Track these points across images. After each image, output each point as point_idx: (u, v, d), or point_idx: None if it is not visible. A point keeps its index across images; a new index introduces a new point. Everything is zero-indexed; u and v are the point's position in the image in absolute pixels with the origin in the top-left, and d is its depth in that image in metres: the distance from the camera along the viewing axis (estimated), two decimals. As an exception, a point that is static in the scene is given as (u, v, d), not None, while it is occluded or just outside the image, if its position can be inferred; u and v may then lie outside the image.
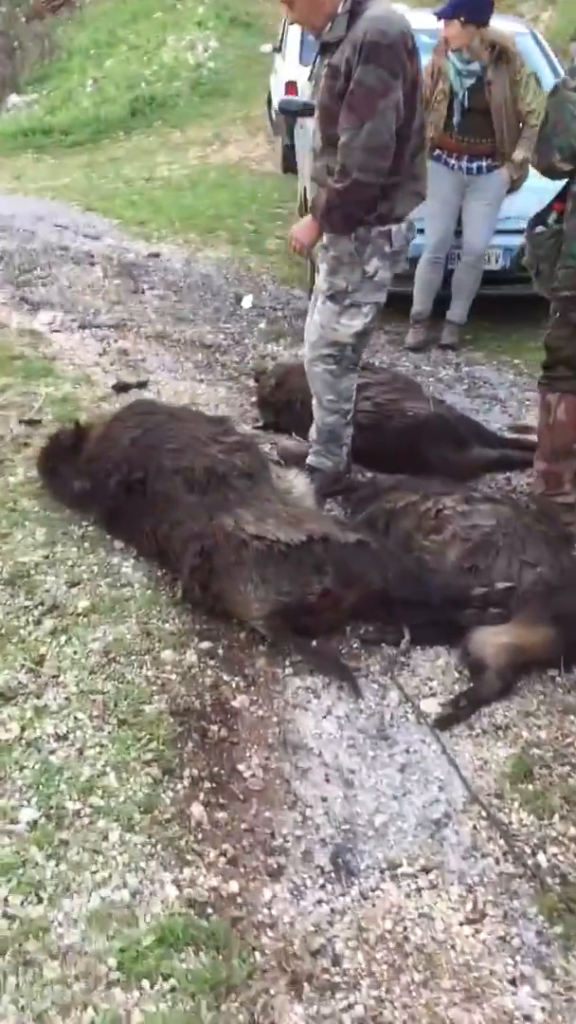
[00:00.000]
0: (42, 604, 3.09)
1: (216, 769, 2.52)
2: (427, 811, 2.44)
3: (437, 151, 5.47)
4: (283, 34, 12.56)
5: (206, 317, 6.34)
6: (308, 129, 7.14)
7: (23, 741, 2.52)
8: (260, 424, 4.61)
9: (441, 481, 3.64)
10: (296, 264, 7.53)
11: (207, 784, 2.46)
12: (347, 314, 3.61)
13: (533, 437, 4.49)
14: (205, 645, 2.97)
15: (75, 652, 2.88)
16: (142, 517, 3.32)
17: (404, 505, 3.39)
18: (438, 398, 4.41)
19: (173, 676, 2.82)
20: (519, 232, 5.71)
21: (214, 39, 17.81)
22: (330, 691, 2.84)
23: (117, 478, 3.38)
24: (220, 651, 2.96)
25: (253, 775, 2.52)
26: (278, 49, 12.86)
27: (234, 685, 2.83)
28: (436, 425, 4.09)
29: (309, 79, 8.72)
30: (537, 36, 7.30)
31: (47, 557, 3.35)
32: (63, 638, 2.93)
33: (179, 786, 2.44)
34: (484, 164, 5.44)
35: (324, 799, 2.46)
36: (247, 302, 6.63)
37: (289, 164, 11.28)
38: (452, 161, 5.47)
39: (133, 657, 2.87)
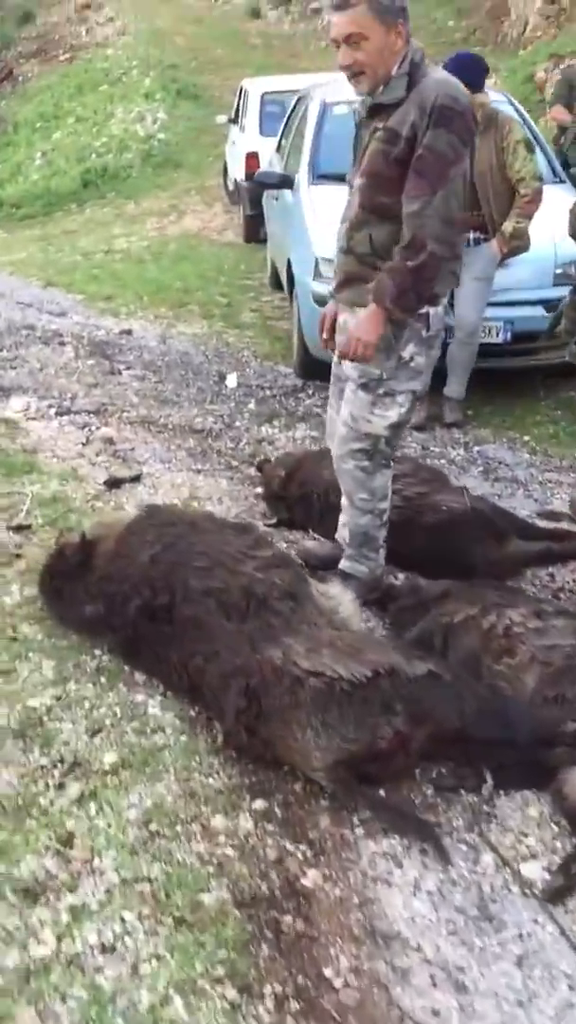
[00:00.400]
0: (62, 761, 2.63)
1: (300, 980, 2.06)
2: (562, 1022, 2.01)
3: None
4: (239, 105, 12.49)
5: (191, 398, 5.97)
6: (286, 201, 6.89)
7: (62, 957, 2.05)
8: (272, 521, 4.21)
9: (496, 587, 3.28)
10: (277, 339, 7.24)
11: (293, 1003, 2.00)
12: (381, 404, 3.26)
13: (567, 525, 4.18)
14: (259, 805, 2.52)
15: (109, 825, 2.41)
16: (169, 648, 2.89)
17: (463, 620, 3.00)
18: (467, 489, 4.05)
19: (229, 850, 2.36)
20: (518, 304, 5.50)
21: (162, 111, 17.81)
22: (412, 856, 2.41)
23: (137, 603, 2.95)
24: (277, 811, 2.52)
25: (345, 983, 2.07)
26: (234, 120, 12.78)
27: (300, 856, 2.39)
28: (473, 520, 3.73)
29: (278, 150, 8.54)
30: (512, 101, 7.16)
31: (60, 698, 2.89)
32: (92, 806, 2.47)
33: (261, 1009, 1.98)
34: (471, 237, 5.16)
35: (436, 1012, 2.02)
36: (232, 381, 6.28)
37: (252, 234, 11.11)
38: None
39: (179, 827, 2.41)
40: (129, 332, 7.44)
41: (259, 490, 4.60)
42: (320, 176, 6.41)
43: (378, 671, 2.58)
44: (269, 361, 6.76)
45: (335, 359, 3.51)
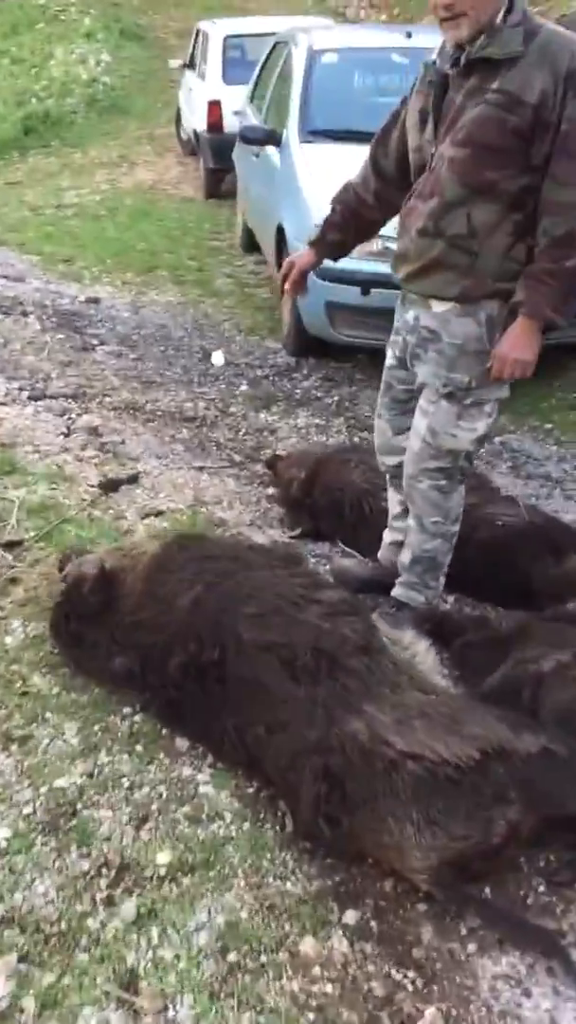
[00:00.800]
0: (106, 865, 2.17)
1: None
2: None
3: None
4: (196, 50, 11.73)
5: (176, 380, 5.45)
6: (269, 159, 6.32)
7: None
8: (295, 533, 3.75)
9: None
10: (258, 309, 6.73)
11: None
12: (468, 416, 2.82)
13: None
14: (351, 917, 2.10)
15: (178, 957, 1.97)
16: (221, 713, 2.44)
17: (556, 669, 2.60)
18: (520, 498, 3.64)
19: (328, 986, 1.94)
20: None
21: (106, 52, 16.85)
22: (539, 979, 2.02)
23: (180, 659, 2.49)
24: (372, 923, 2.11)
25: None
26: (189, 65, 12.02)
27: (410, 986, 1.98)
28: (531, 534, 3.33)
29: (252, 101, 7.91)
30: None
31: (92, 776, 2.42)
32: (154, 930, 2.02)
33: None
34: None
35: None
36: (218, 359, 5.77)
37: (213, 189, 10.49)
38: None
39: (263, 957, 1.99)
40: (96, 301, 6.84)
41: (270, 491, 4.14)
42: (312, 133, 5.86)
43: (486, 750, 2.17)
44: (254, 336, 6.24)
45: (389, 360, 3.06)
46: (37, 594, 3.18)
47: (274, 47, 7.47)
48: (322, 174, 5.43)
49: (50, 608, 3.05)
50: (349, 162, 5.57)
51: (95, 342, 5.96)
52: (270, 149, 6.32)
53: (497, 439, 4.78)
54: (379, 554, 3.33)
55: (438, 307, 2.77)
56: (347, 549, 3.58)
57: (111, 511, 3.83)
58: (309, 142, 5.79)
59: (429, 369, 2.80)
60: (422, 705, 2.31)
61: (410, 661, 2.54)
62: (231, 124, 9.12)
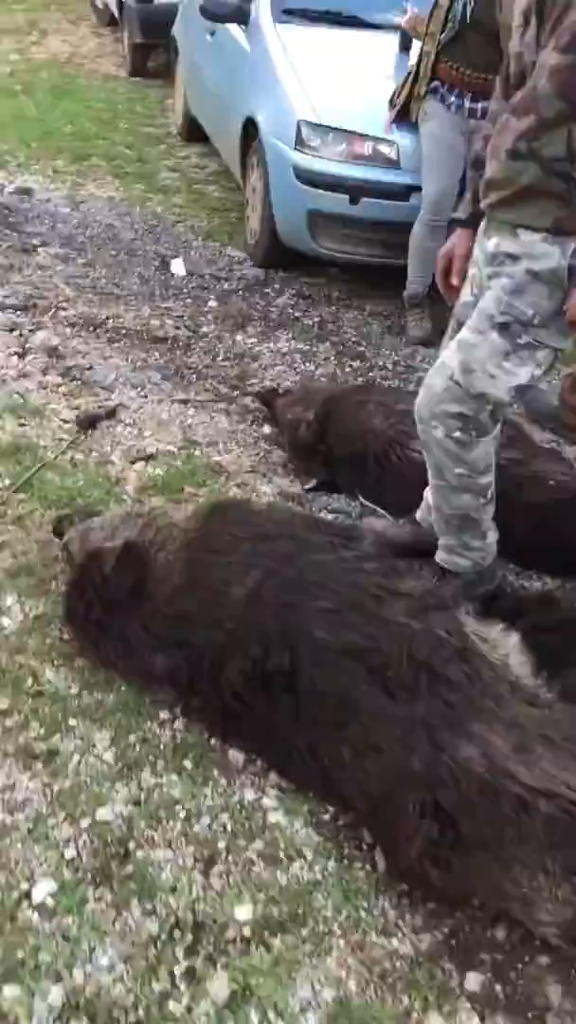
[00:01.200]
0: (178, 925, 1.80)
1: None
2: None
3: (435, 81, 4.21)
4: None
5: (136, 292, 4.87)
6: (232, 40, 5.63)
7: None
8: (311, 485, 3.34)
9: None
10: (213, 210, 6.16)
11: None
12: (517, 356, 2.40)
13: None
14: (474, 982, 1.79)
15: (288, 1050, 1.64)
16: (292, 729, 2.07)
17: None
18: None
19: None
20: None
21: None
22: None
23: (240, 665, 2.09)
24: (497, 987, 1.81)
25: None
26: None
27: (553, 1069, 1.71)
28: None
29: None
30: None
31: (139, 804, 2.03)
32: (252, 1015, 1.67)
33: None
34: (454, 98, 4.17)
35: None
36: (178, 268, 5.20)
37: (140, 67, 9.61)
38: (451, 99, 4.21)
39: (387, 1044, 1.67)
40: (28, 192, 6.09)
41: (267, 430, 3.71)
42: (287, 12, 5.22)
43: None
44: (213, 241, 5.65)
45: (465, 296, 2.62)
46: (29, 561, 2.72)
47: None
48: (305, 62, 4.86)
49: (49, 580, 2.61)
50: (334, 48, 5.03)
51: (36, 242, 5.29)
52: (233, 29, 5.63)
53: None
54: (418, 515, 2.96)
55: (526, 236, 2.34)
56: (370, 505, 3.19)
57: (94, 453, 3.34)
58: (284, 22, 5.15)
59: (492, 295, 2.38)
60: (538, 724, 1.98)
61: (505, 664, 2.20)
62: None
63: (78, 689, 2.30)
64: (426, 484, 2.79)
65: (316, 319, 4.73)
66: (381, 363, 4.31)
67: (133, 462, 3.32)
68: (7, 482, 3.07)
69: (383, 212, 4.58)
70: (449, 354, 2.51)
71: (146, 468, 3.29)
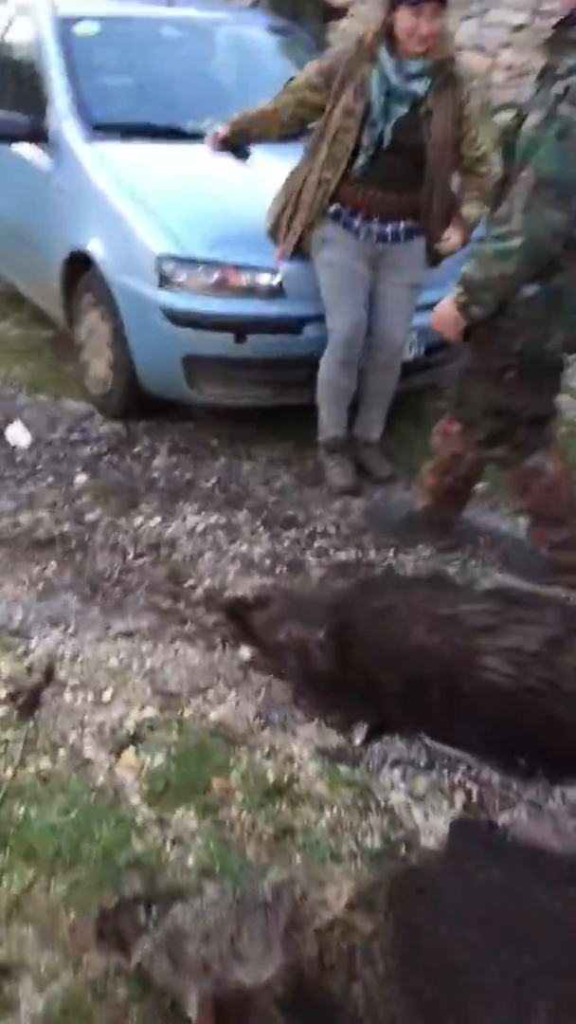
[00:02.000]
0: None
1: None
2: None
3: (336, 205, 3.68)
4: None
5: (-20, 478, 3.90)
6: (28, 162, 4.79)
7: None
8: (364, 738, 2.58)
9: None
10: (23, 353, 5.20)
11: None
12: None
13: None
14: None
15: None
16: None
17: None
18: None
19: None
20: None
21: None
22: None
23: None
24: None
25: None
26: None
27: None
28: None
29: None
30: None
31: None
32: None
33: None
34: (401, 228, 3.74)
35: None
36: (18, 436, 4.26)
37: None
38: (357, 223, 3.69)
39: None
40: None
41: (245, 653, 2.91)
42: (98, 127, 4.49)
43: None
44: (43, 395, 4.72)
45: None
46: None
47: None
48: (145, 184, 4.15)
49: None
50: (167, 165, 4.34)
51: None
52: (22, 148, 4.80)
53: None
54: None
55: None
56: (444, 748, 2.49)
57: (61, 751, 2.42)
58: (99, 140, 4.41)
59: None
60: None
61: None
62: None
63: None
64: (508, 715, 2.18)
65: (212, 479, 3.97)
66: (322, 528, 3.62)
67: (117, 753, 2.43)
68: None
69: (275, 349, 3.95)
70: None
71: (139, 759, 2.41)
